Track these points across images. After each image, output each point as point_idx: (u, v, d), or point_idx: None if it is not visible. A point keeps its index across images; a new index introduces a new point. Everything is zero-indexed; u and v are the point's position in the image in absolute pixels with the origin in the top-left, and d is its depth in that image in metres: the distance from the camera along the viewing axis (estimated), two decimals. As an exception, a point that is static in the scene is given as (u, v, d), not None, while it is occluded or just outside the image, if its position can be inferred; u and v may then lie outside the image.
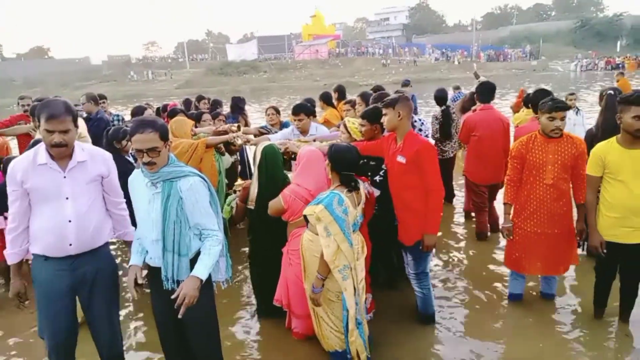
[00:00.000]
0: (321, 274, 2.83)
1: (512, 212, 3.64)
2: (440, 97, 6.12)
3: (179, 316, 2.31)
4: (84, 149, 2.60)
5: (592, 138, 4.00)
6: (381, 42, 58.30)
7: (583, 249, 4.58)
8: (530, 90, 6.23)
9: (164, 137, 2.39)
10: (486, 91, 4.95)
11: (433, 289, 3.79)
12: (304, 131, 4.38)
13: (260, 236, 3.57)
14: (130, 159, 4.27)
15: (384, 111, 3.30)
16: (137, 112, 5.79)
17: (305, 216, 2.98)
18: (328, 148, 3.08)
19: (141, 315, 3.95)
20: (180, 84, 41.57)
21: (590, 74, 38.09)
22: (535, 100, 4.29)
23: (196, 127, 4.91)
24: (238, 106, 6.84)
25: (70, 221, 2.49)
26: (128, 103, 25.63)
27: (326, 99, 6.24)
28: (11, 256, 2.57)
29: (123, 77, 46.73)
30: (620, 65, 39.01)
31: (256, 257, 3.67)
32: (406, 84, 8.30)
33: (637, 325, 3.42)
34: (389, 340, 3.36)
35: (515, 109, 7.54)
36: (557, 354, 3.21)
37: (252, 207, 3.52)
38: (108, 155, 2.73)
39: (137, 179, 2.53)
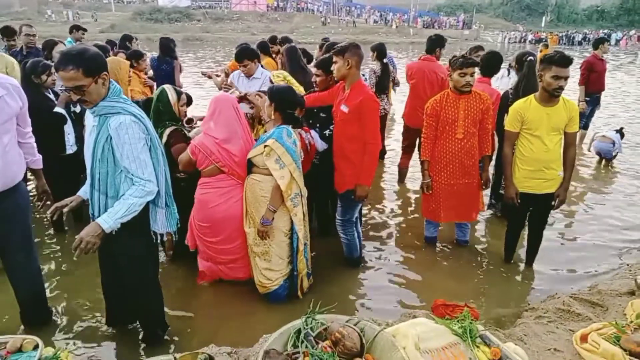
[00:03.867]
0: (274, 205, 2.95)
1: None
2: (381, 51, 6.13)
3: (74, 258, 2.25)
4: None
5: (510, 99, 4.07)
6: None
7: (496, 204, 4.89)
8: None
9: (91, 72, 2.10)
10: (429, 42, 5.29)
11: (363, 234, 3.95)
12: (249, 75, 4.46)
13: None
14: (51, 95, 3.90)
15: (334, 59, 3.25)
16: (46, 46, 5.13)
17: (249, 160, 3.00)
18: (268, 89, 3.09)
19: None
20: (104, 27, 38.33)
21: (517, 47, 39.98)
22: (488, 63, 4.49)
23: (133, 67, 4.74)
24: (171, 47, 6.41)
25: None
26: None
27: (263, 47, 6.09)
28: None
29: (39, 17, 42.25)
30: (544, 40, 41.45)
31: None
32: None
33: (539, 268, 3.84)
34: (318, 280, 3.49)
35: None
36: (471, 291, 3.51)
37: None
38: (17, 83, 2.53)
39: None
